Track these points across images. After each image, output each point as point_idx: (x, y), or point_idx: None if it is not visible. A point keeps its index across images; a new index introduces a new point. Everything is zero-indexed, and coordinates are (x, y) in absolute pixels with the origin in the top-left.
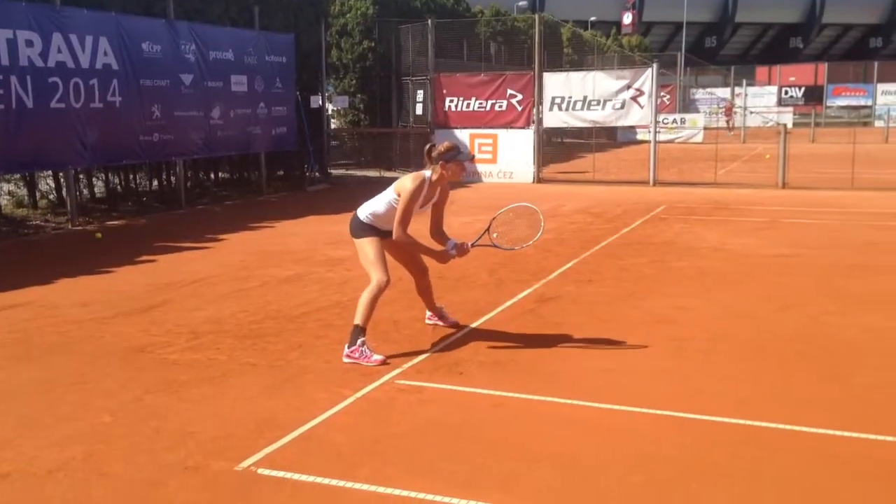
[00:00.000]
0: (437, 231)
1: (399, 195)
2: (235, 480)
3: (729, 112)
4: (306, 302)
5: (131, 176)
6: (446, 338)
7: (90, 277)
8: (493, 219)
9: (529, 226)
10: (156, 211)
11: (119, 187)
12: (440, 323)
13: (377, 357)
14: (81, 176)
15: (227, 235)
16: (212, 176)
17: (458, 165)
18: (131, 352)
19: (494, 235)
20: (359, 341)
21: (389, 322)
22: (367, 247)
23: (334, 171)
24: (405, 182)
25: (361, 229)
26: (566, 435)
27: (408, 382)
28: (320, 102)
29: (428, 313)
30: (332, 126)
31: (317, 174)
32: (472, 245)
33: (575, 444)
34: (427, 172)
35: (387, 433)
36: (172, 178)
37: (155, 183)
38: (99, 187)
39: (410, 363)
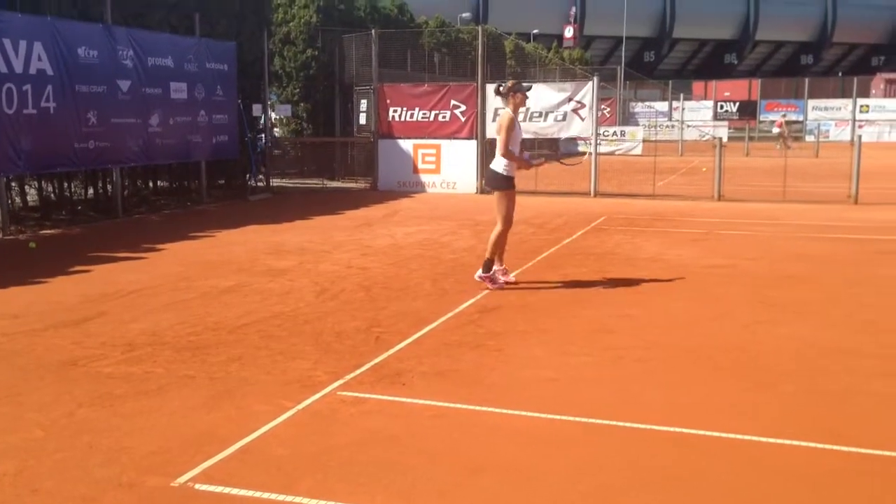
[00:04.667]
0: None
1: (500, 132)
2: (172, 496)
3: (781, 126)
4: (247, 313)
5: (66, 184)
6: (389, 349)
7: (22, 288)
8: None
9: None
10: (91, 220)
11: (53, 195)
12: (509, 279)
13: (502, 279)
14: (13, 184)
15: (166, 245)
16: (150, 184)
17: (522, 95)
18: (64, 365)
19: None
20: (493, 269)
21: (332, 333)
22: (508, 199)
23: (276, 181)
24: (500, 120)
25: (506, 180)
26: (508, 445)
27: (350, 394)
28: (262, 111)
29: (481, 275)
30: (275, 135)
31: (259, 183)
32: (541, 161)
33: (517, 453)
34: (509, 108)
35: (328, 445)
36: (109, 187)
37: (90, 191)
38: (32, 195)
39: (352, 374)
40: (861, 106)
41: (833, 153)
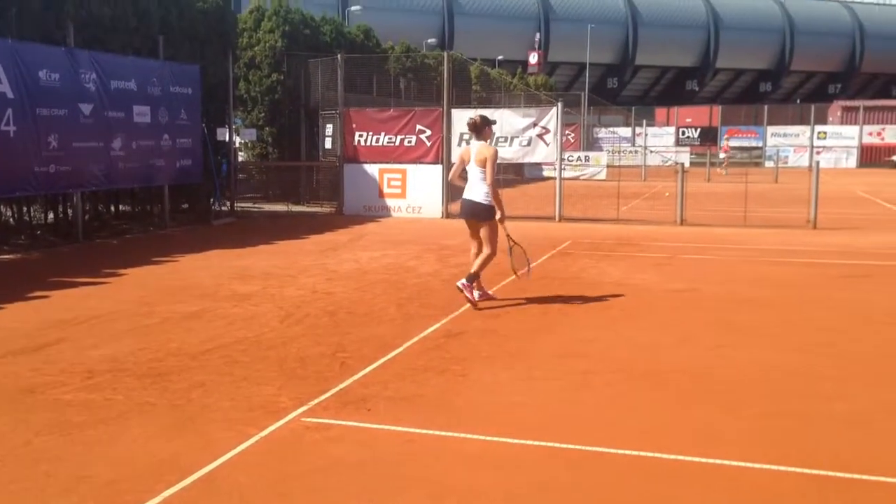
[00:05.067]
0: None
1: (484, 164)
2: None
3: (727, 151)
4: (210, 338)
5: (25, 208)
6: (354, 374)
7: None
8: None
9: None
10: (51, 245)
11: (11, 220)
12: (488, 294)
13: (477, 293)
14: None
15: (128, 270)
16: (112, 208)
17: (490, 128)
18: (21, 392)
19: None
20: (472, 283)
21: (296, 358)
22: (497, 226)
23: (241, 205)
24: (484, 152)
25: (491, 209)
26: (475, 470)
27: (315, 420)
28: (228, 135)
29: (466, 291)
30: (240, 159)
31: (223, 208)
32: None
33: (483, 479)
34: (483, 142)
35: (292, 472)
36: (69, 211)
37: (50, 215)
38: None
39: (317, 400)
40: (819, 132)
41: (792, 179)
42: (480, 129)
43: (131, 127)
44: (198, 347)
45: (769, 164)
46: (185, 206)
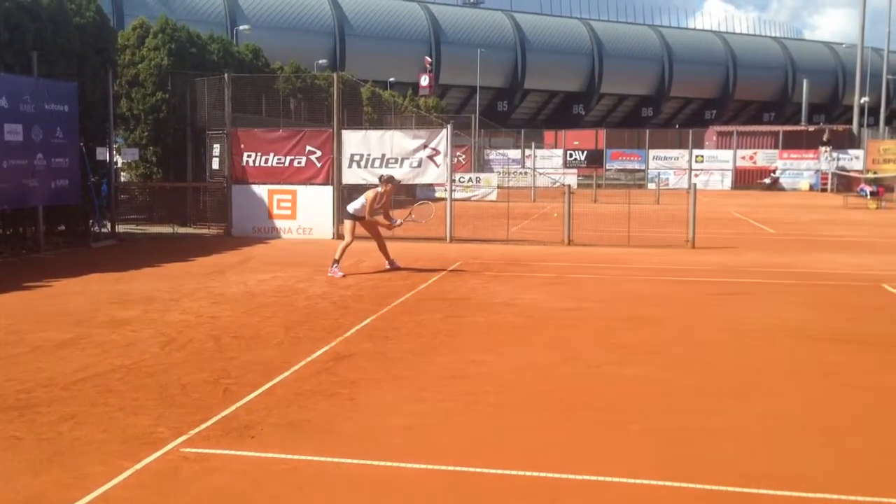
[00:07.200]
0: (386, 216)
1: (367, 200)
2: None
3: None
4: (84, 367)
5: None
6: (238, 400)
7: None
8: (410, 212)
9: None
10: None
11: None
12: (398, 266)
13: (341, 273)
14: None
15: None
16: None
17: (391, 185)
18: None
19: (412, 216)
20: (334, 266)
21: (177, 386)
22: (349, 224)
23: (123, 227)
24: (369, 194)
25: (350, 216)
26: (361, 496)
27: (194, 450)
28: (108, 154)
29: (386, 264)
30: (122, 179)
31: (103, 229)
32: (399, 224)
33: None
34: (379, 189)
35: None
36: None
37: None
38: None
39: (197, 429)
40: (696, 156)
41: (672, 200)
42: (383, 183)
43: (1, 146)
44: (70, 377)
45: (651, 185)
46: (63, 228)
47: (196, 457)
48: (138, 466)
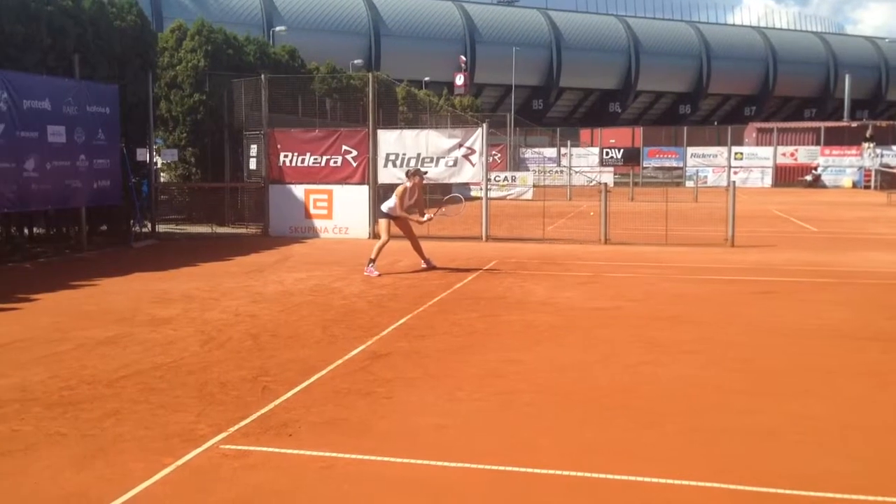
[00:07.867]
0: (420, 212)
1: (397, 196)
2: None
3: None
4: (125, 365)
5: None
6: (276, 398)
7: None
8: (441, 206)
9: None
10: None
11: None
12: (434, 265)
13: (377, 273)
14: None
15: (41, 295)
16: (25, 231)
17: (419, 178)
18: None
19: (443, 210)
20: (370, 265)
21: (217, 383)
22: (383, 223)
23: (163, 227)
24: (398, 190)
25: (382, 215)
26: (398, 495)
27: (233, 447)
28: (148, 155)
29: (422, 263)
30: (162, 180)
31: (143, 229)
32: (429, 218)
33: (401, 503)
34: (407, 183)
35: (208, 503)
36: None
37: None
38: None
39: (237, 426)
40: (735, 153)
41: (711, 198)
42: (409, 177)
43: (45, 147)
44: (113, 374)
45: (689, 183)
46: (104, 228)
47: (235, 454)
48: (179, 463)
